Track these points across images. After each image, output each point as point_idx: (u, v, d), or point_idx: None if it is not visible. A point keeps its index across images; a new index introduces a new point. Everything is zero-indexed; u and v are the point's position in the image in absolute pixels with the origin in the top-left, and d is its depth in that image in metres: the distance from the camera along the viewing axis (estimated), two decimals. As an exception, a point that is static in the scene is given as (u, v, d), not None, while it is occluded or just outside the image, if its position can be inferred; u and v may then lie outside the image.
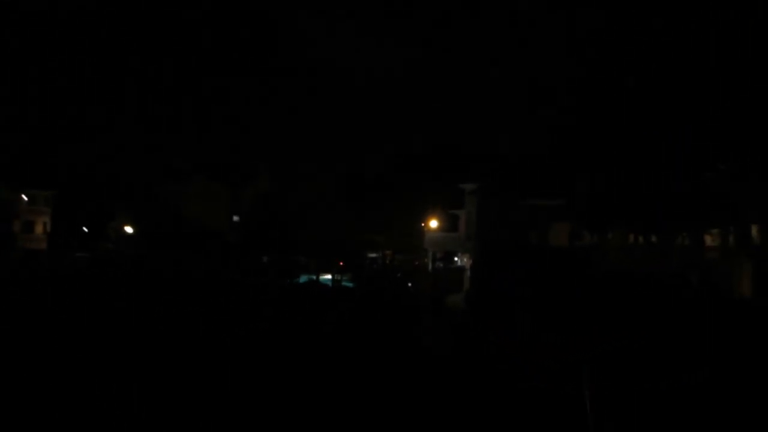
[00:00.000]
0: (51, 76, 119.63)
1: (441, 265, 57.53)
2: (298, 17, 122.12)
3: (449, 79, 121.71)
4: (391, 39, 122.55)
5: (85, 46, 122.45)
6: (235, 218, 74.62)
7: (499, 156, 49.11)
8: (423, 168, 67.07)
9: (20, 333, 23.81)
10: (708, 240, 24.81)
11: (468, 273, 46.89)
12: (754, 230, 20.68)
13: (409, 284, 54.65)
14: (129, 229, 72.59)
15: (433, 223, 55.90)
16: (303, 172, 78.30)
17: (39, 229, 71.51)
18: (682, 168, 21.18)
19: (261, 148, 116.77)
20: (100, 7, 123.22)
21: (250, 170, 79.23)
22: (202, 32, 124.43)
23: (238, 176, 77.41)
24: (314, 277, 60.03)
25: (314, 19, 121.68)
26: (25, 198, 69.81)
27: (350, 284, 57.17)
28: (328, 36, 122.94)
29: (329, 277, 60.40)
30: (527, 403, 14.23)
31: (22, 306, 32.40)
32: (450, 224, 55.16)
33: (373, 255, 69.88)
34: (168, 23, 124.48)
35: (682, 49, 16.76)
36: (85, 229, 75.30)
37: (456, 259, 57.78)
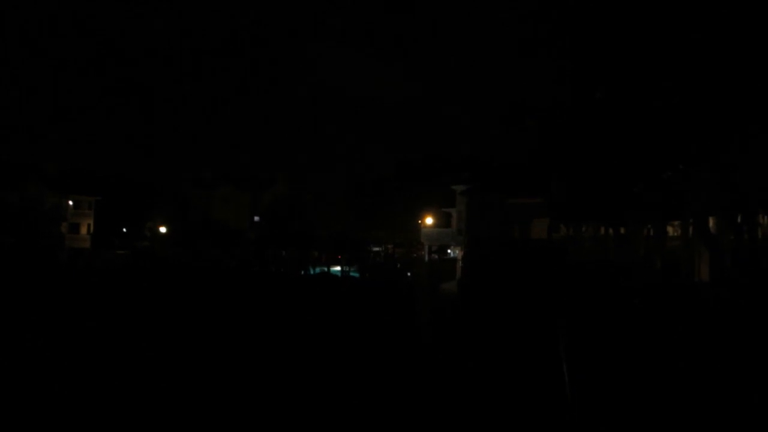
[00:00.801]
0: (95, 97, 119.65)
1: (436, 256, 57.53)
2: (305, 44, 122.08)
3: (442, 96, 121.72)
4: (388, 62, 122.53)
5: (127, 72, 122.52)
6: (256, 218, 74.64)
7: (486, 161, 49.13)
8: (419, 172, 67.17)
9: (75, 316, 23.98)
10: (670, 231, 24.72)
11: (460, 263, 46.91)
12: (711, 222, 20.55)
13: (408, 273, 54.66)
14: (163, 229, 72.64)
15: (429, 220, 55.97)
16: (314, 177, 78.50)
17: (84, 230, 71.53)
18: (645, 168, 21.05)
19: (278, 157, 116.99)
20: (140, 34, 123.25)
21: (268, 177, 79.34)
22: (230, 60, 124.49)
23: (258, 182, 77.50)
24: (325, 269, 60.10)
25: (319, 44, 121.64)
26: (71, 203, 69.83)
27: (356, 274, 57.24)
28: (335, 60, 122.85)
29: (338, 268, 60.49)
30: (508, 360, 14.47)
31: (75, 293, 32.64)
32: (443, 221, 55.25)
33: (377, 248, 69.85)
34: (201, 50, 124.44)
35: (641, 62, 16.61)
36: (125, 230, 75.40)
37: (449, 251, 57.77)
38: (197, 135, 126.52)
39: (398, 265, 60.10)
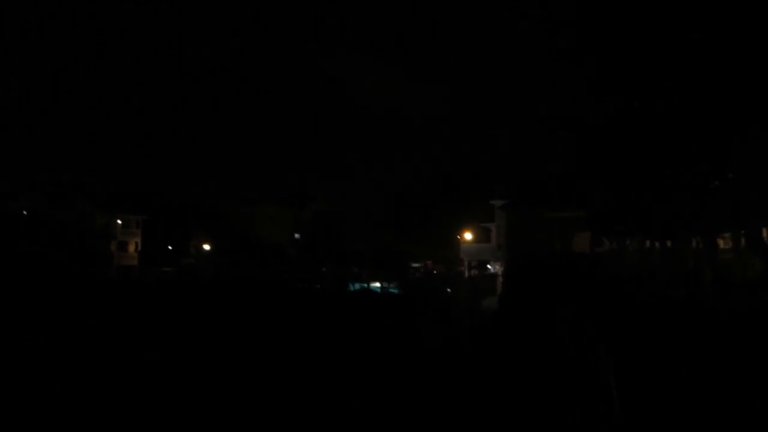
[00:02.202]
0: (141, 122, 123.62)
1: (476, 272, 56.67)
2: (336, 62, 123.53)
3: (476, 110, 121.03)
4: (419, 78, 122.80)
5: (168, 94, 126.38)
6: (297, 235, 75.18)
7: (524, 174, 48.30)
8: (456, 187, 66.62)
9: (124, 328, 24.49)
10: (721, 243, 23.61)
11: (500, 279, 45.98)
12: (765, 232, 19.46)
13: (448, 290, 53.96)
14: (207, 247, 73.88)
15: (468, 236, 55.23)
16: (352, 194, 78.77)
17: (131, 248, 73.41)
18: (693, 178, 20.13)
19: (317, 175, 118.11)
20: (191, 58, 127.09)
21: (308, 195, 79.99)
22: (264, 80, 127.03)
23: (298, 200, 78.21)
24: (365, 285, 59.90)
25: (349, 60, 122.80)
26: (120, 222, 71.82)
27: (396, 290, 56.80)
28: (366, 77, 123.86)
29: (378, 284, 60.19)
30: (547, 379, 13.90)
31: (124, 307, 33.45)
32: (483, 236, 54.40)
33: (416, 265, 69.33)
34: (237, 71, 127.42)
35: (686, 68, 15.96)
36: (170, 248, 77.02)
37: (489, 267, 56.82)
38: (237, 154, 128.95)
39: (438, 282, 59.45)
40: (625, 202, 24.52)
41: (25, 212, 65.12)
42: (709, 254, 21.97)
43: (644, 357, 12.13)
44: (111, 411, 12.00)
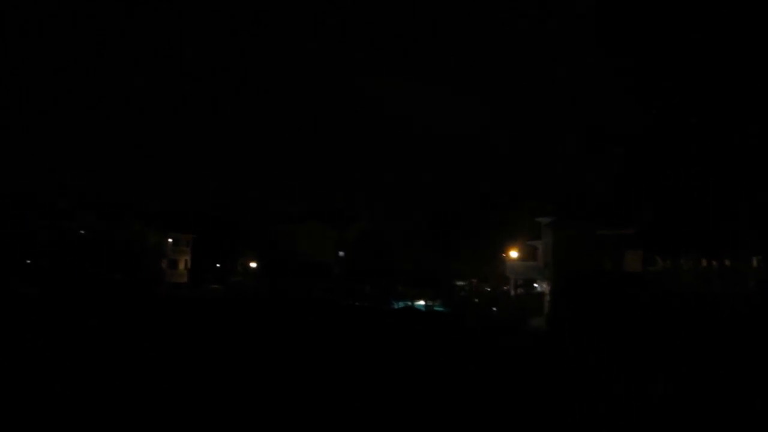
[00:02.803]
0: (184, 139, 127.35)
1: (522, 291, 55.68)
2: (375, 79, 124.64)
3: (519, 125, 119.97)
4: (458, 94, 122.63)
5: (212, 115, 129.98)
6: (341, 253, 75.65)
7: (571, 191, 47.39)
8: (501, 204, 65.92)
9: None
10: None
11: (548, 298, 45.06)
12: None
13: (494, 309, 53.16)
14: (253, 264, 75.12)
15: (514, 254, 54.44)
16: (396, 212, 78.84)
17: (181, 265, 75.29)
18: (753, 195, 19.36)
19: (362, 194, 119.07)
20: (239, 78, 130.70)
21: (352, 213, 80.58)
22: (305, 99, 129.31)
23: (342, 218, 78.86)
24: (409, 303, 59.60)
25: (388, 78, 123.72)
26: (170, 240, 73.84)
27: (440, 308, 56.31)
28: (405, 94, 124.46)
29: (422, 302, 59.82)
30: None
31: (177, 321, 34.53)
32: (529, 254, 53.54)
33: (460, 283, 68.63)
34: (279, 90, 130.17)
35: (745, 80, 15.44)
36: (218, 265, 78.62)
37: (535, 285, 55.78)
38: (280, 172, 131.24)
39: (483, 300, 58.67)
40: (680, 218, 23.77)
41: (82, 231, 67.77)
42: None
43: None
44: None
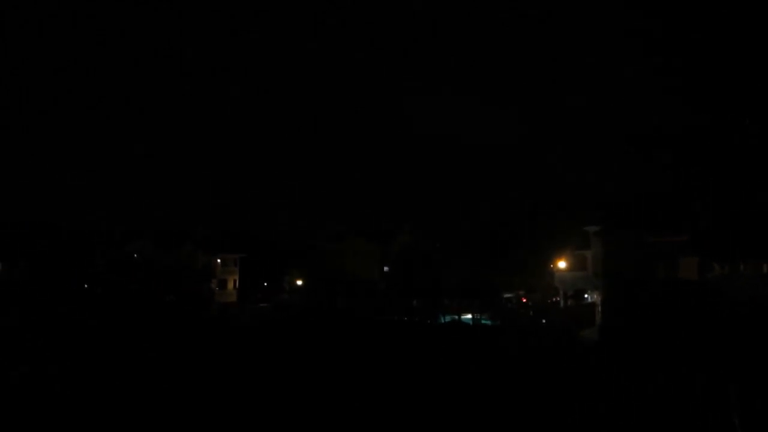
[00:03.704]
0: (241, 167, 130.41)
1: (572, 302, 54.45)
2: (415, 94, 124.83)
3: (561, 134, 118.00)
4: (497, 105, 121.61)
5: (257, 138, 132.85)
6: (385, 268, 75.70)
7: (619, 198, 46.16)
8: (547, 214, 64.77)
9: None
10: None
11: (599, 308, 43.90)
12: None
13: (543, 320, 52.12)
14: (299, 282, 75.97)
15: (561, 264, 53.37)
16: (439, 225, 78.55)
17: (230, 285, 76.77)
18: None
19: (403, 208, 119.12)
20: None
21: (395, 228, 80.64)
22: (349, 119, 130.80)
23: (385, 234, 79.01)
24: (456, 317, 59.04)
25: (428, 95, 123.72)
26: (219, 261, 75.49)
27: (488, 322, 55.56)
28: (443, 107, 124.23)
29: (469, 316, 59.18)
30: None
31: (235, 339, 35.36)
32: (578, 264, 52.36)
33: (508, 295, 67.58)
34: (329, 110, 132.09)
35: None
36: (265, 284, 79.86)
37: (586, 296, 54.44)
38: (325, 190, 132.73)
39: (531, 312, 57.61)
40: (737, 222, 22.87)
41: (135, 255, 70.18)
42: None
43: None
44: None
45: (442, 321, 57.80)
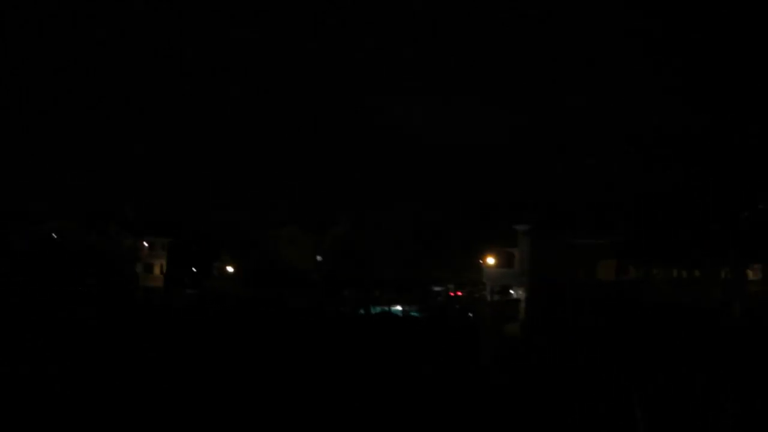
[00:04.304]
0: (174, 148, 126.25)
1: (498, 297, 56.38)
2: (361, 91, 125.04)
3: (504, 134, 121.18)
4: (445, 102, 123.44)
5: (190, 116, 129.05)
6: (319, 258, 75.70)
7: (549, 200, 48.28)
8: (480, 211, 66.71)
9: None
10: (750, 274, 23.45)
11: (523, 304, 45.78)
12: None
13: (470, 314, 53.76)
14: (230, 269, 74.73)
15: (491, 260, 55.16)
16: (377, 218, 79.23)
17: (157, 270, 74.55)
18: (722, 208, 20.09)
19: (341, 199, 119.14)
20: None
21: (331, 218, 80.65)
22: (303, 106, 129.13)
23: (322, 223, 78.91)
24: (386, 308, 59.98)
25: (383, 93, 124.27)
26: (146, 244, 73.15)
27: (417, 314, 56.75)
28: (397, 103, 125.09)
29: (399, 308, 60.25)
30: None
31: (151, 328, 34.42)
32: (506, 261, 54.25)
33: (438, 288, 69.23)
34: (276, 94, 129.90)
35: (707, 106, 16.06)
36: (194, 270, 78.00)
37: (512, 291, 56.55)
38: (263, 176, 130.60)
39: (459, 306, 59.31)
40: (653, 230, 24.52)
41: (54, 235, 66.80)
42: (738, 285, 21.84)
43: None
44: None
45: (373, 312, 58.56)
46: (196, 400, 16.04)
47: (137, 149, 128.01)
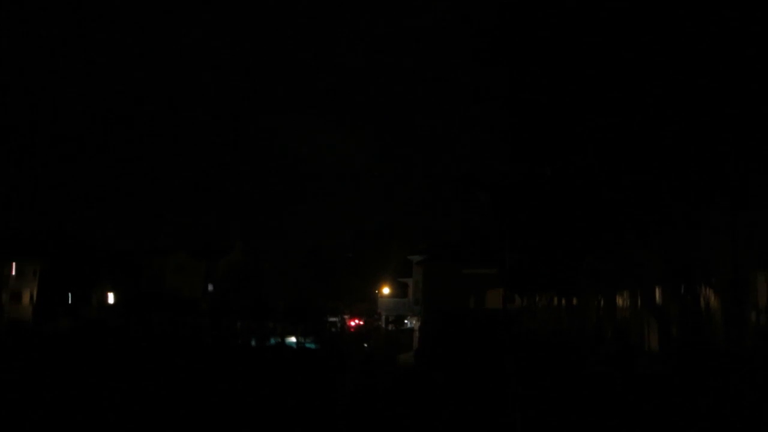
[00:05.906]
0: (50, 159, 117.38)
1: (393, 327, 57.00)
2: (264, 114, 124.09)
3: (401, 170, 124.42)
4: (349, 137, 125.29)
5: (83, 131, 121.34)
6: (210, 287, 72.82)
7: (442, 232, 49.97)
8: (376, 242, 67.60)
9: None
10: (619, 302, 25.34)
11: (417, 334, 46.55)
12: (658, 292, 21.13)
13: (365, 345, 53.81)
14: (111, 298, 69.85)
15: (386, 290, 55.92)
16: (271, 246, 77.88)
17: (26, 299, 67.90)
18: (595, 240, 21.70)
19: (235, 226, 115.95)
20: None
21: (224, 245, 78.11)
22: (191, 126, 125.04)
23: (213, 250, 76.12)
24: (280, 340, 58.62)
25: (279, 115, 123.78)
26: (14, 268, 66.60)
27: (312, 345, 55.96)
28: (294, 130, 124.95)
29: (293, 339, 59.14)
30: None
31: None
32: (400, 291, 55.24)
33: (333, 319, 68.81)
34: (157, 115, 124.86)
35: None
36: (70, 297, 71.91)
37: (406, 321, 57.41)
38: (151, 201, 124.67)
39: (355, 336, 59.23)
40: (535, 261, 25.95)
41: None
42: (609, 312, 23.54)
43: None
44: None
45: (267, 344, 56.97)
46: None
47: (8, 159, 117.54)
